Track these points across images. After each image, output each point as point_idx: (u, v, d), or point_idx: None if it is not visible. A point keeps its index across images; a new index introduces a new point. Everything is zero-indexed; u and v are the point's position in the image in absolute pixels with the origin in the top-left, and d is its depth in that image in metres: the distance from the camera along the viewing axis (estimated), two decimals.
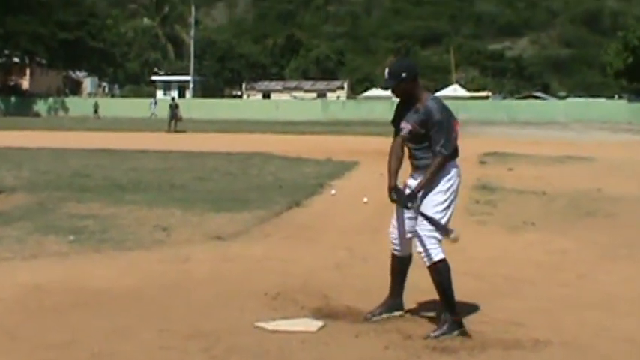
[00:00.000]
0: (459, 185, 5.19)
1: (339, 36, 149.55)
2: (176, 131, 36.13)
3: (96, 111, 60.44)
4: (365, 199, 10.92)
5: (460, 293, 5.50)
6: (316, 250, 7.92)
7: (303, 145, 25.72)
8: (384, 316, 5.35)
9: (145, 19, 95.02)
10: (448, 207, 5.08)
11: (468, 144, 26.63)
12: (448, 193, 5.08)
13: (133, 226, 8.98)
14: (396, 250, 5.37)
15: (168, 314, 5.47)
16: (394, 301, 5.43)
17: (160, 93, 77.06)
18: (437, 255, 4.99)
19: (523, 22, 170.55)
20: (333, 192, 12.47)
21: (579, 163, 18.76)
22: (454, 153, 5.19)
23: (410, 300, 5.60)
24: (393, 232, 5.35)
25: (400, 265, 5.39)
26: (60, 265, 6.99)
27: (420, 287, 5.51)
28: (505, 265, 7.24)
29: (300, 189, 12.71)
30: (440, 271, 5.00)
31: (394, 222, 5.34)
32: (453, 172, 5.14)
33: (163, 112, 43.46)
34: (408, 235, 5.24)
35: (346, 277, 6.68)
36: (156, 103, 55.26)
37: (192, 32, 76.98)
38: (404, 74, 5.06)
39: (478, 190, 12.72)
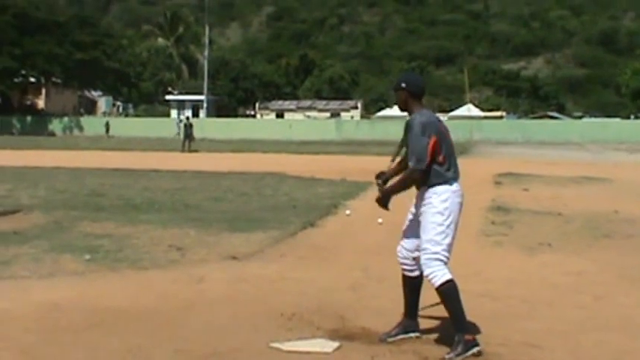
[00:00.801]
0: (460, 205, 5.15)
1: (352, 56, 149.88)
2: (190, 151, 36.26)
3: (107, 130, 60.73)
4: (380, 220, 10.86)
5: (477, 315, 5.47)
6: (331, 270, 7.90)
7: (317, 165, 25.73)
8: (400, 337, 5.32)
9: (160, 39, 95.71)
10: (448, 226, 5.05)
11: (483, 164, 26.76)
12: (446, 213, 5.04)
13: (148, 245, 8.99)
14: (405, 269, 5.36)
15: (184, 334, 5.46)
16: (409, 322, 5.41)
17: (173, 112, 77.44)
18: (443, 277, 4.96)
19: (538, 41, 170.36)
20: (347, 212, 12.44)
21: (595, 184, 18.64)
22: (450, 173, 5.18)
23: (426, 320, 5.57)
24: (401, 251, 5.35)
25: (411, 285, 5.37)
26: (76, 284, 7.00)
27: (436, 307, 5.47)
28: (521, 287, 7.19)
29: (314, 209, 12.69)
30: (447, 293, 4.98)
31: (402, 241, 5.36)
32: (448, 192, 5.10)
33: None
34: (416, 254, 5.22)
35: (361, 298, 6.65)
36: (181, 121, 55.37)
37: (206, 52, 77.35)
38: (403, 84, 5.24)
39: (493, 211, 12.68)
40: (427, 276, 5.03)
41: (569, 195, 15.77)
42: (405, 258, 5.32)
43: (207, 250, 8.80)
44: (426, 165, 5.04)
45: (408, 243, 5.29)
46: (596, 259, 8.57)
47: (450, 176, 5.14)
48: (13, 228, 10.12)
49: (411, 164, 5.10)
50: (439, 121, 5.26)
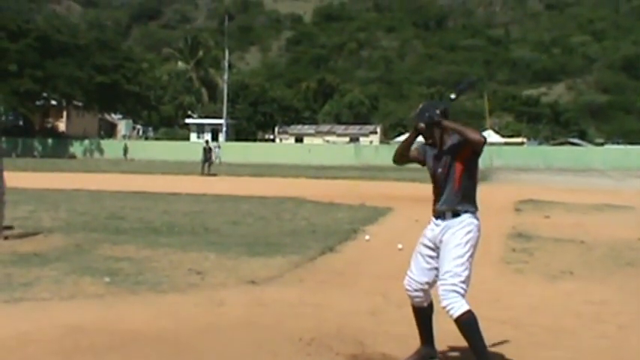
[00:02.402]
0: (478, 239, 5.10)
1: (372, 81, 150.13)
2: (209, 174, 36.38)
3: (125, 153, 61.09)
4: (400, 246, 10.83)
5: (498, 342, 5.42)
6: (351, 295, 7.87)
7: (336, 189, 25.74)
8: None
9: (180, 63, 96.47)
10: (467, 261, 4.99)
11: (503, 191, 26.66)
12: (467, 246, 4.99)
13: (168, 269, 9.01)
14: (415, 301, 5.31)
15: (203, 358, 5.45)
16: (427, 350, 5.37)
17: (193, 136, 77.85)
18: (460, 308, 4.89)
19: (559, 67, 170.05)
20: (367, 237, 12.41)
21: (618, 212, 18.49)
22: (474, 203, 5.14)
23: (444, 346, 5.53)
24: (410, 283, 5.27)
25: (422, 315, 5.34)
26: (96, 307, 7.02)
27: (454, 332, 5.42)
28: (543, 315, 7.12)
29: (333, 234, 12.67)
30: (466, 324, 4.91)
31: (411, 273, 5.28)
32: (474, 225, 5.06)
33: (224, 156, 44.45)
34: (426, 287, 5.20)
35: (381, 324, 6.61)
36: (219, 147, 55.54)
37: (225, 76, 77.87)
38: (427, 114, 5.10)
39: (514, 238, 12.60)
40: (445, 307, 4.95)
41: (591, 222, 15.64)
42: (416, 290, 5.26)
43: (226, 273, 8.79)
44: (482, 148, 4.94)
45: (419, 276, 5.23)
46: (620, 288, 8.48)
47: (476, 206, 5.12)
48: (35, 250, 10.18)
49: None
50: None
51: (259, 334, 6.15)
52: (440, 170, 5.08)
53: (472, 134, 4.89)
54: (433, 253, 5.14)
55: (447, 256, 4.98)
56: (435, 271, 5.12)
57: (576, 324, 6.79)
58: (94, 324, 6.32)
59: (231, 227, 13.73)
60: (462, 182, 5.02)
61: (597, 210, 18.83)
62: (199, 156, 39.64)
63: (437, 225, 5.12)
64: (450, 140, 5.06)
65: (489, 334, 5.98)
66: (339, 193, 23.09)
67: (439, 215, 5.10)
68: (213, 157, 51.54)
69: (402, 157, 5.35)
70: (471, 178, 5.08)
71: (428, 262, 5.16)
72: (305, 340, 5.89)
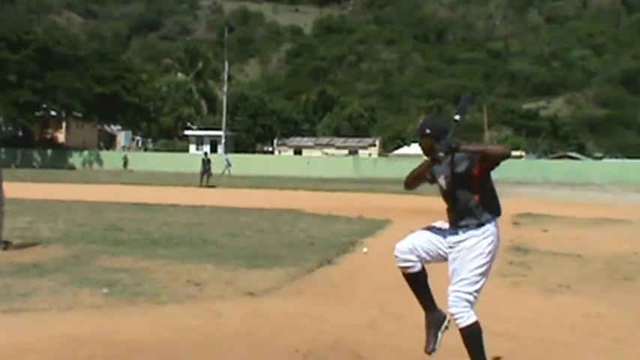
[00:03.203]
0: (498, 248, 5.10)
1: (371, 93, 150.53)
2: (207, 186, 36.40)
3: (125, 164, 61.12)
4: (365, 249, 10.89)
5: (493, 355, 5.44)
6: (348, 308, 7.89)
7: (335, 202, 25.78)
8: (440, 339, 5.19)
9: (179, 75, 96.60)
10: (485, 272, 4.98)
11: (502, 204, 26.51)
12: (489, 257, 4.98)
13: (166, 280, 9.03)
14: (405, 267, 5.18)
15: None
16: (434, 316, 5.23)
17: (192, 148, 77.92)
18: (469, 318, 4.88)
19: (558, 81, 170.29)
20: (365, 250, 12.43)
21: (616, 226, 18.52)
22: (499, 209, 5.11)
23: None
24: (403, 246, 5.17)
25: (416, 280, 5.21)
26: (94, 318, 7.04)
27: (457, 348, 5.44)
28: (539, 328, 7.14)
29: (331, 246, 12.70)
30: (472, 334, 4.90)
31: (410, 239, 5.18)
32: (495, 235, 5.01)
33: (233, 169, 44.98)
34: (419, 253, 5.11)
35: (378, 336, 6.63)
36: (229, 163, 55.92)
37: (225, 88, 77.99)
38: (428, 130, 5.09)
39: (512, 252, 12.62)
40: (453, 314, 4.92)
41: (589, 236, 15.68)
42: (405, 254, 5.16)
43: (224, 285, 8.82)
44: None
45: (419, 242, 5.15)
46: (616, 302, 8.50)
47: (496, 212, 5.07)
48: (33, 260, 10.21)
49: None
50: None
51: (257, 346, 6.17)
52: (455, 188, 5.04)
53: (495, 151, 4.92)
54: (443, 247, 5.07)
55: (466, 265, 4.93)
56: (433, 255, 5.10)
57: (572, 337, 6.81)
58: (92, 335, 6.34)
59: (229, 239, 13.76)
60: (481, 194, 5.00)
61: (595, 224, 18.86)
62: (198, 167, 39.69)
63: (457, 234, 5.03)
64: (461, 160, 5.02)
65: (485, 346, 6.01)
66: (338, 206, 23.12)
67: (460, 227, 5.03)
68: (225, 171, 51.88)
69: (414, 185, 5.30)
70: (488, 186, 5.08)
71: (434, 244, 5.10)
72: (302, 353, 5.92)
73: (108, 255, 10.89)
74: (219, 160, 56.37)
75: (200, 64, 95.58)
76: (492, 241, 4.99)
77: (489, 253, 4.97)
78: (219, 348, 6.10)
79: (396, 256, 5.19)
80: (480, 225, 4.96)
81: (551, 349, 6.35)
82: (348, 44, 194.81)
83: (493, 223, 5.02)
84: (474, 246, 4.94)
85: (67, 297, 7.86)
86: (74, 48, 76.48)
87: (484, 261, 4.95)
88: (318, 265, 10.53)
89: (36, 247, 11.64)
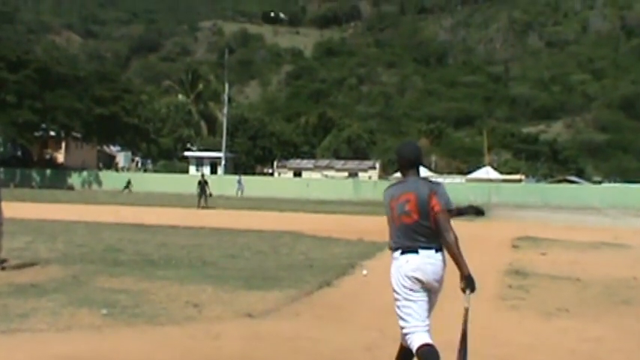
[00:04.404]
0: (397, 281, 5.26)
1: (371, 116, 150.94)
2: (205, 207, 36.33)
3: (128, 186, 60.95)
4: (364, 272, 10.87)
5: None
6: (347, 330, 7.88)
7: (334, 224, 25.76)
8: None
9: (180, 96, 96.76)
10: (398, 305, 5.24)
11: (501, 227, 26.66)
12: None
13: (165, 301, 9.02)
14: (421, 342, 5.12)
15: None
16: None
17: (192, 169, 77.96)
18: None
19: (558, 105, 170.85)
20: (364, 272, 12.42)
21: (615, 250, 18.49)
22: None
23: None
24: (420, 327, 5.14)
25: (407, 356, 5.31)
26: (93, 338, 7.02)
27: None
28: (538, 352, 7.12)
29: (331, 269, 12.69)
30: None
31: (416, 318, 5.14)
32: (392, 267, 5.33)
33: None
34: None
35: (377, 359, 6.62)
36: (240, 183, 56.49)
37: (225, 109, 78.11)
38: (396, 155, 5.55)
39: (510, 275, 12.62)
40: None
41: (588, 260, 15.66)
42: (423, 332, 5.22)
43: (223, 307, 8.81)
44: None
45: (425, 314, 5.24)
46: (615, 326, 8.49)
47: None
48: (31, 281, 10.20)
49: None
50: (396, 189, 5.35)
51: None
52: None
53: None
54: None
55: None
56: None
57: None
58: (91, 356, 6.33)
59: (228, 260, 13.74)
60: None
61: (594, 248, 18.83)
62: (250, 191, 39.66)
63: None
64: None
65: None
66: (338, 228, 23.10)
67: None
68: (238, 192, 52.25)
69: None
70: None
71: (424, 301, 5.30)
72: None
73: (107, 276, 10.88)
74: (218, 181, 56.63)
75: (200, 86, 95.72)
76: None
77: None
78: None
79: (416, 332, 5.18)
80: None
81: None
82: (348, 67, 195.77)
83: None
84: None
85: (65, 317, 7.84)
86: (74, 68, 76.61)
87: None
88: (318, 288, 10.53)
89: (34, 267, 11.63)
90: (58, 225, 21.12)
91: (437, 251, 5.12)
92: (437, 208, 5.07)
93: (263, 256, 14.71)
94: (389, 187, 5.40)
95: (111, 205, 36.19)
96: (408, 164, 5.34)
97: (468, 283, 5.03)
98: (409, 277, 5.09)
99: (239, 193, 55.71)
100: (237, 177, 61.92)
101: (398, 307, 5.15)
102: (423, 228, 5.09)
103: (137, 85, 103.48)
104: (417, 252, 5.09)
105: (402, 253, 5.14)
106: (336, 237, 19.57)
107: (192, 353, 6.60)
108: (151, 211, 32.00)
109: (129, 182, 61.99)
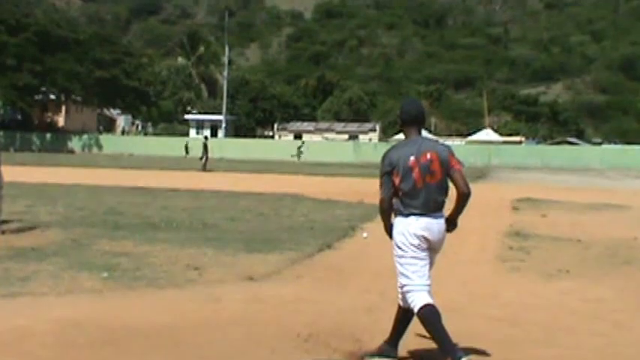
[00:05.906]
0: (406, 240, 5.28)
1: (371, 78, 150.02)
2: (205, 170, 36.27)
3: (187, 151, 57.63)
4: (365, 234, 10.88)
5: (494, 340, 5.43)
6: (348, 292, 7.88)
7: (335, 186, 25.74)
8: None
9: (180, 59, 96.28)
10: (401, 262, 5.26)
11: (501, 189, 26.64)
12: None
13: (166, 264, 9.01)
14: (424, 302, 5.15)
15: (200, 354, 5.47)
16: (389, 348, 5.44)
17: (192, 132, 77.79)
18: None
19: (558, 67, 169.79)
20: (364, 234, 12.41)
21: (615, 211, 18.48)
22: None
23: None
24: (422, 286, 5.16)
25: (408, 316, 5.36)
26: (93, 302, 7.03)
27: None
28: (539, 312, 7.13)
29: (331, 231, 12.69)
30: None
31: (420, 276, 5.17)
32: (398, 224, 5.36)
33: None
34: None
35: (378, 321, 6.61)
36: (300, 150, 56.98)
37: (225, 72, 77.79)
38: (398, 112, 5.48)
39: (511, 237, 12.61)
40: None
41: (588, 221, 15.65)
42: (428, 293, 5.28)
43: (224, 270, 8.80)
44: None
45: (427, 274, 5.28)
46: (616, 286, 8.49)
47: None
48: (32, 244, 10.19)
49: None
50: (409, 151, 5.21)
51: (256, 330, 6.16)
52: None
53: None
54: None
55: None
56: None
57: (572, 321, 6.80)
58: (91, 319, 6.33)
59: (229, 223, 13.73)
60: None
61: (594, 209, 18.82)
62: (199, 152, 39.43)
63: None
64: None
65: (484, 330, 6.02)
66: (338, 191, 23.09)
67: None
68: (300, 152, 52.12)
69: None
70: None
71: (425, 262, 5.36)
72: (302, 337, 5.91)
73: (107, 239, 10.88)
74: (219, 144, 56.44)
75: (201, 48, 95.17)
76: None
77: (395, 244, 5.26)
78: (218, 332, 6.09)
79: (421, 291, 5.19)
80: None
81: (552, 334, 6.33)
82: (348, 29, 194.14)
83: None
84: None
85: (66, 281, 7.84)
86: (74, 31, 75.96)
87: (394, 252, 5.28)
88: (318, 250, 10.53)
89: (34, 231, 11.63)
90: (59, 188, 21.10)
91: (441, 213, 5.22)
92: (457, 166, 5.17)
93: (264, 219, 14.70)
94: (392, 148, 5.30)
95: (111, 169, 36.15)
96: (413, 121, 5.29)
97: (454, 227, 5.31)
98: (417, 236, 5.11)
99: (301, 154, 56.13)
100: (300, 140, 62.33)
101: (402, 264, 5.15)
102: (443, 188, 5.17)
103: (137, 48, 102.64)
104: (426, 215, 5.13)
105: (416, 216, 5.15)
106: (337, 199, 19.58)
107: (193, 316, 6.60)
108: (151, 174, 31.96)
109: (187, 146, 57.89)
